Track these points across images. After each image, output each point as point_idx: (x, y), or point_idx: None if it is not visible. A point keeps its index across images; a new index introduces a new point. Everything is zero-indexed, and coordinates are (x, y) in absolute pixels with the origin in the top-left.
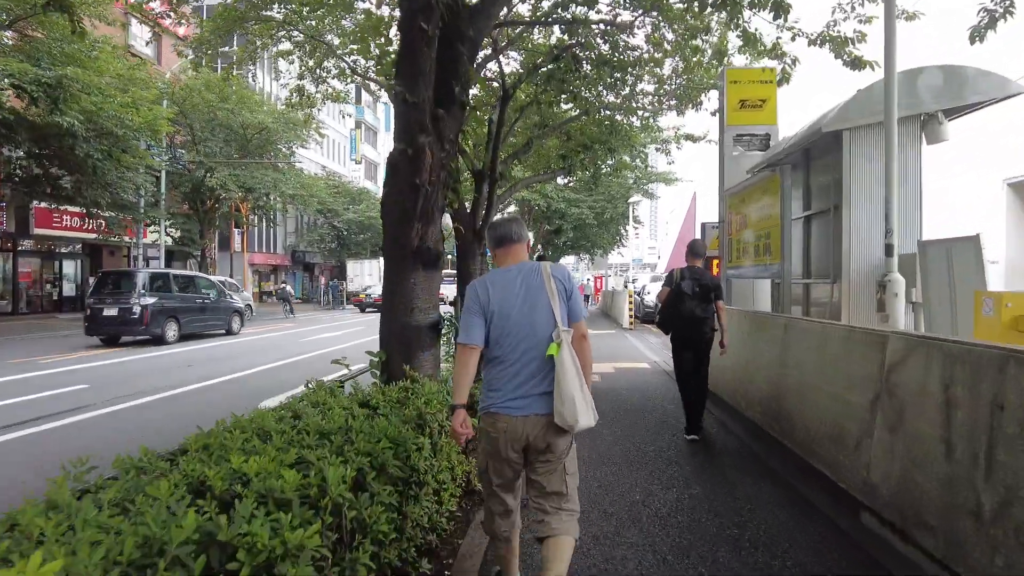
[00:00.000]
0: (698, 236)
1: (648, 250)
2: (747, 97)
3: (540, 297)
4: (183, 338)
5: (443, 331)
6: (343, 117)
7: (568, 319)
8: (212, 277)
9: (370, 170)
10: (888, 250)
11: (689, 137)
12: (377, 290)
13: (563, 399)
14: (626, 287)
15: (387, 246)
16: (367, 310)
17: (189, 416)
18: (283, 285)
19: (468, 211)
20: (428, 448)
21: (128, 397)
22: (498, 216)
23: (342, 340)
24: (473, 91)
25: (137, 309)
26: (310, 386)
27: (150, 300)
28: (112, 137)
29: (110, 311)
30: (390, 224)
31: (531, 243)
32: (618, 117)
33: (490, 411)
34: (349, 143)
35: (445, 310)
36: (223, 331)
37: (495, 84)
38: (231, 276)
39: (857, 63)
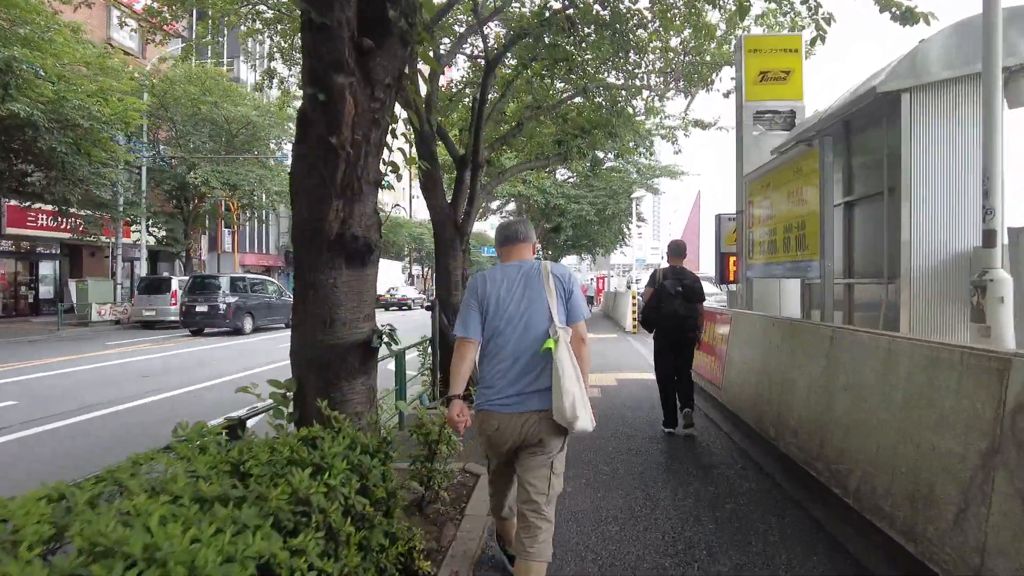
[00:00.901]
0: (719, 229)
1: (651, 250)
2: (768, 68)
3: (538, 295)
4: (255, 330)
5: (385, 347)
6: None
7: (568, 319)
8: (275, 280)
9: None
10: (988, 238)
11: (698, 123)
12: (403, 291)
13: (564, 395)
14: (629, 288)
15: (296, 233)
16: (390, 308)
17: (84, 451)
18: None
19: (448, 202)
20: (316, 549)
21: (52, 418)
22: (498, 211)
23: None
24: (457, 70)
25: (223, 306)
26: (180, 434)
27: (232, 299)
28: (78, 129)
29: (201, 308)
30: (300, 202)
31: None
32: (620, 102)
33: (483, 408)
34: None
35: (388, 321)
36: (283, 324)
37: (481, 62)
38: None
39: (909, 16)
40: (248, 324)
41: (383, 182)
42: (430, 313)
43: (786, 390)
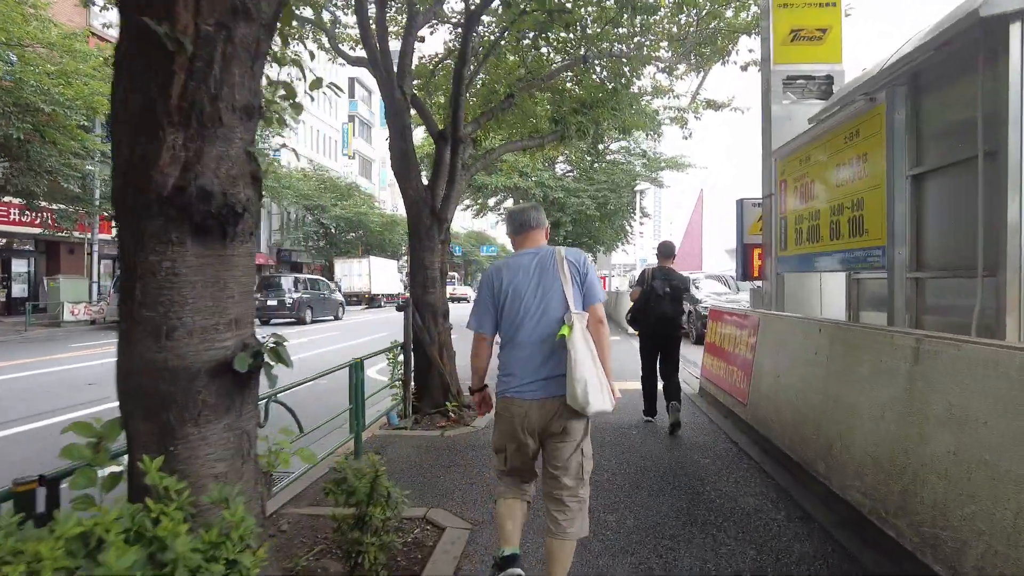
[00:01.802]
0: (741, 217)
1: (651, 250)
2: (802, 26)
3: (554, 281)
4: (313, 321)
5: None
6: (304, 93)
7: (584, 303)
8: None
9: (364, 166)
10: None
11: (711, 104)
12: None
13: (576, 381)
14: (631, 288)
15: (116, 186)
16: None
17: None
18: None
19: (425, 185)
20: None
21: None
22: (496, 207)
23: (297, 351)
24: (440, 41)
25: (289, 301)
26: None
27: (296, 295)
28: (40, 114)
29: (271, 302)
30: (119, 135)
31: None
32: (624, 74)
33: (505, 395)
34: (341, 137)
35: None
36: (332, 317)
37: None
38: None
39: None
40: (308, 315)
41: (271, 115)
42: (402, 314)
43: (841, 415)
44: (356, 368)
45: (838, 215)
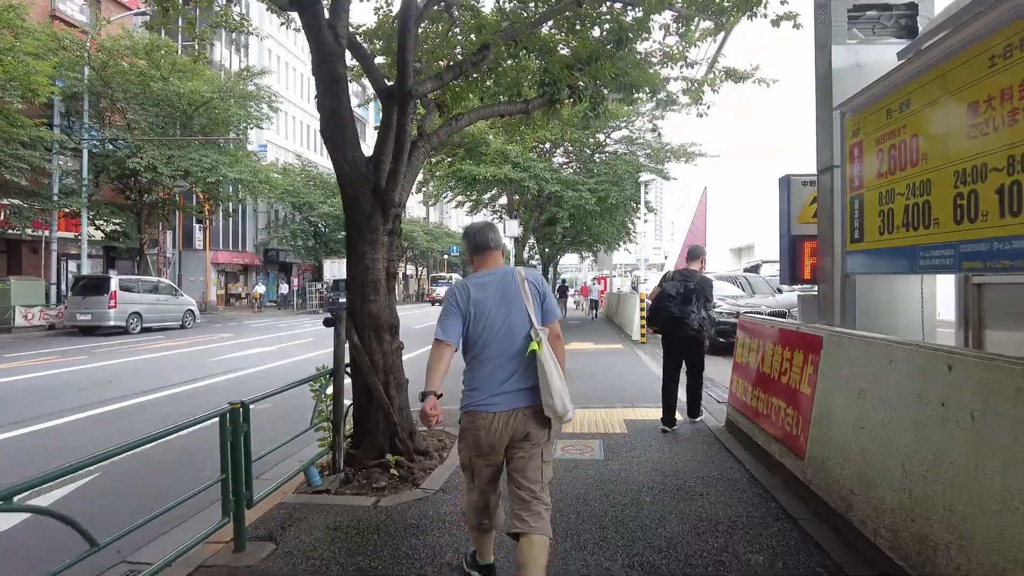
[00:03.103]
0: (788, 201)
1: (653, 250)
2: None
3: (516, 300)
4: None
5: None
6: (241, 50)
7: (544, 320)
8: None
9: None
10: None
11: (731, 74)
12: (441, 290)
13: (552, 393)
14: (635, 289)
15: None
16: (436, 304)
17: None
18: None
19: (367, 157)
20: None
21: None
22: (489, 203)
23: (260, 361)
24: None
25: None
26: None
27: None
28: None
29: (342, 299)
30: None
31: (521, 239)
32: (627, 30)
33: (471, 409)
34: None
35: None
36: None
37: None
38: (173, 279)
39: None
40: None
41: None
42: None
43: (1003, 501)
44: (231, 419)
45: (971, 183)
